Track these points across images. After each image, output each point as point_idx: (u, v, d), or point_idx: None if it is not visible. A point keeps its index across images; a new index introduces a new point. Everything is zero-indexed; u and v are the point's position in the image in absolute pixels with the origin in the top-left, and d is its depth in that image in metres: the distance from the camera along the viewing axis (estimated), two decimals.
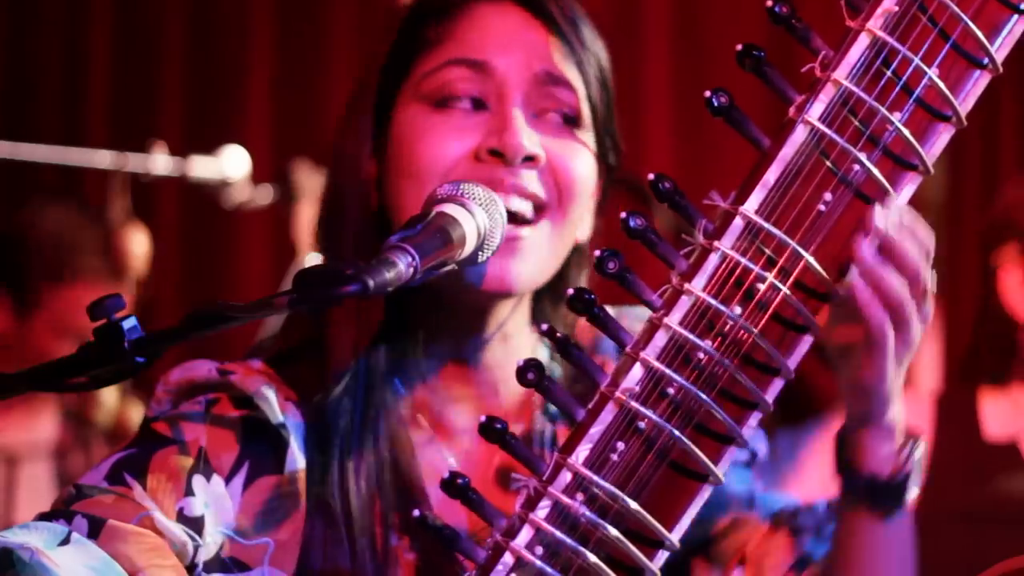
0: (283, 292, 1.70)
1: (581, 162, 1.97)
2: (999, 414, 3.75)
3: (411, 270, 1.71)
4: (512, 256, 1.91)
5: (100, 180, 4.60)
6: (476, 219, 1.81)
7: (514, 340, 2.02)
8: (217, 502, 1.88)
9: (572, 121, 1.97)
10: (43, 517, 1.82)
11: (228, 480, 1.90)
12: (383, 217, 1.99)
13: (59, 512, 1.82)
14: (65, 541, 1.77)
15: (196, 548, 1.85)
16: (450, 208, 1.80)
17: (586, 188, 1.98)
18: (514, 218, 1.90)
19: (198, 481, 1.88)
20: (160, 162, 4.39)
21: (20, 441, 4.18)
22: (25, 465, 4.16)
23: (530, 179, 1.92)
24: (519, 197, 1.92)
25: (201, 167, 4.40)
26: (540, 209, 1.93)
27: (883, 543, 1.86)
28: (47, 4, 5.84)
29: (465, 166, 1.92)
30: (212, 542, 1.87)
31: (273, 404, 1.91)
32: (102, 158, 4.42)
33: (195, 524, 1.86)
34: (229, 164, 4.42)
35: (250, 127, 5.60)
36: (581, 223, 2.01)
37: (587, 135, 1.99)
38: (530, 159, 1.92)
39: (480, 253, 1.83)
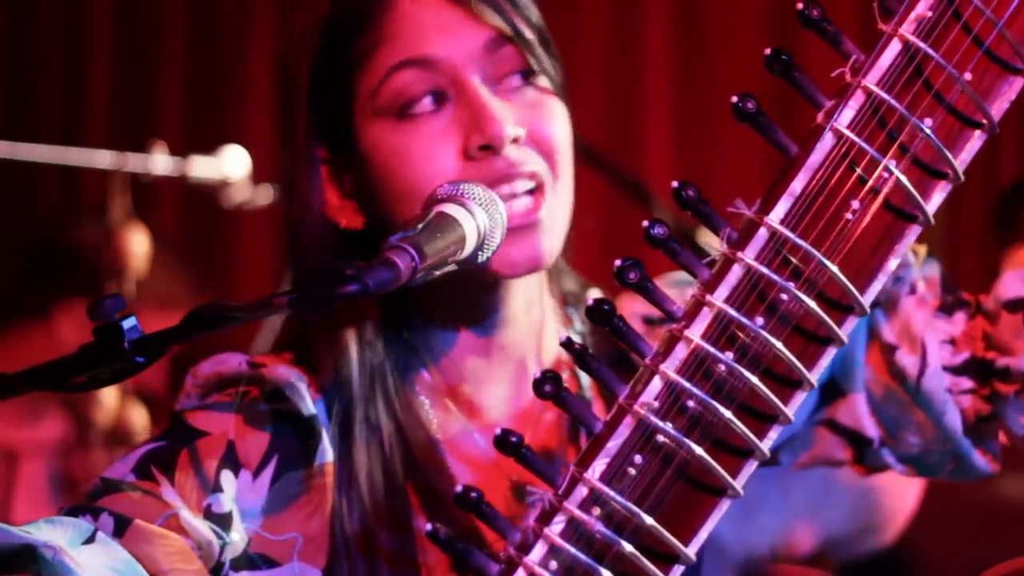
0: (283, 292, 1.69)
1: (557, 122, 1.95)
2: None
3: (411, 270, 1.70)
4: (537, 234, 1.90)
5: (100, 180, 4.57)
6: (476, 219, 1.79)
7: (535, 309, 2.00)
8: (244, 497, 1.87)
9: (530, 75, 1.94)
10: (70, 511, 1.81)
11: (256, 474, 1.89)
12: (371, 233, 1.96)
13: (85, 507, 1.81)
14: (90, 539, 1.77)
15: (223, 546, 1.84)
16: (450, 208, 1.79)
17: (568, 144, 1.96)
18: (527, 196, 1.90)
19: (226, 476, 1.87)
20: (160, 162, 4.37)
21: (21, 439, 4.18)
22: (24, 463, 4.16)
23: (522, 156, 1.90)
24: (522, 179, 1.90)
25: (201, 167, 4.38)
26: (541, 181, 1.91)
27: None
28: (47, 4, 5.81)
29: (460, 169, 1.89)
30: (239, 539, 1.86)
31: (305, 396, 1.91)
32: (102, 158, 4.40)
33: (222, 521, 1.85)
34: (229, 164, 4.40)
35: (250, 127, 5.58)
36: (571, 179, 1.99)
37: (545, 83, 1.96)
38: (515, 140, 1.90)
39: (480, 253, 1.81)
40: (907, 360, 1.98)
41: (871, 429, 2.01)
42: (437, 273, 1.77)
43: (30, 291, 4.48)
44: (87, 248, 4.42)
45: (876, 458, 2.03)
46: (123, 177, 4.41)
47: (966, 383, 1.98)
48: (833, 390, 2.02)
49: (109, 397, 4.24)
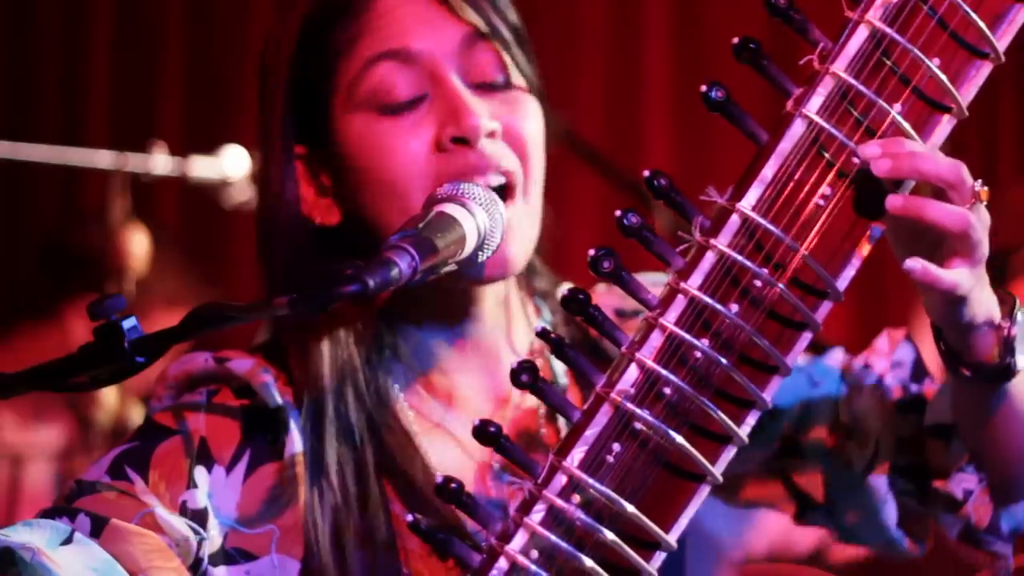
0: (283, 292, 1.69)
1: (531, 120, 1.95)
2: None
3: (411, 270, 1.71)
4: (505, 240, 1.87)
5: (100, 180, 4.58)
6: (476, 219, 1.80)
7: (504, 306, 2.00)
8: (219, 492, 1.88)
9: (506, 73, 1.94)
10: (46, 514, 1.81)
11: (229, 470, 1.89)
12: (347, 230, 1.96)
13: (62, 509, 1.82)
14: (68, 540, 1.77)
15: (200, 541, 1.85)
16: (450, 208, 1.79)
17: (540, 143, 1.96)
18: (498, 194, 1.88)
19: (200, 472, 1.87)
20: (160, 162, 4.37)
21: (26, 441, 4.18)
22: (30, 465, 4.17)
23: (496, 151, 1.90)
24: (494, 173, 1.89)
25: (201, 167, 4.39)
26: (511, 181, 1.91)
27: (1003, 403, 1.85)
28: (47, 4, 5.82)
29: (433, 160, 1.89)
30: (216, 534, 1.87)
31: (271, 388, 1.91)
32: (102, 158, 4.40)
33: (198, 517, 1.86)
34: (229, 164, 4.41)
35: (250, 127, 5.56)
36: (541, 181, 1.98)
37: (520, 82, 1.96)
38: (491, 134, 1.90)
39: (480, 253, 1.82)
40: (855, 453, 2.02)
41: (822, 497, 2.06)
42: (438, 273, 1.77)
43: (39, 291, 4.48)
44: (96, 248, 4.43)
45: (817, 519, 2.08)
46: (123, 177, 4.41)
47: (905, 485, 2.03)
48: (794, 447, 2.05)
49: (109, 397, 4.25)
